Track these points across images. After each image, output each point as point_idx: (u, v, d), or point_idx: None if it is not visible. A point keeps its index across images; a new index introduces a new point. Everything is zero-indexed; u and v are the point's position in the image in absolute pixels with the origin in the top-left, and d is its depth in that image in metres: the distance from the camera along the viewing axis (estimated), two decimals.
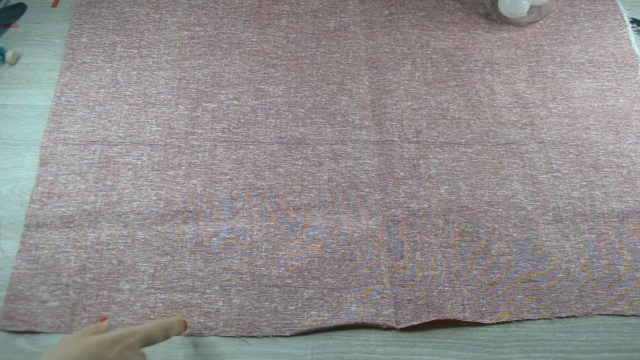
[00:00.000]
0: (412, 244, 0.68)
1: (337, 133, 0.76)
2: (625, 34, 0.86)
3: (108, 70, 0.79)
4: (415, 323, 0.62)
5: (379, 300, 0.64)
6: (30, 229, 0.67)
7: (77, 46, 0.81)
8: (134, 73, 0.79)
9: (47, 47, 0.82)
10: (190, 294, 0.64)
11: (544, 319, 0.64)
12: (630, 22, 0.87)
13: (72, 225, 0.67)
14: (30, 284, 0.63)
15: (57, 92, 0.76)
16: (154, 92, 0.77)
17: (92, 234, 0.67)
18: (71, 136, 0.73)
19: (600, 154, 0.76)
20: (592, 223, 0.70)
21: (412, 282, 0.65)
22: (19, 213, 0.68)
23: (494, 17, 0.88)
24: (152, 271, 0.65)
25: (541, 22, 0.87)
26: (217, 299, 0.64)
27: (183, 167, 0.72)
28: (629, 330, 0.63)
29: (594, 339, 0.63)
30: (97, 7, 0.84)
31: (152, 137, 0.74)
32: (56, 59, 0.81)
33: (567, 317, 0.64)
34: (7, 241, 0.67)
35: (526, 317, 0.64)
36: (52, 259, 0.65)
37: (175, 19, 0.84)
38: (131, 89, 0.77)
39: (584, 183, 0.74)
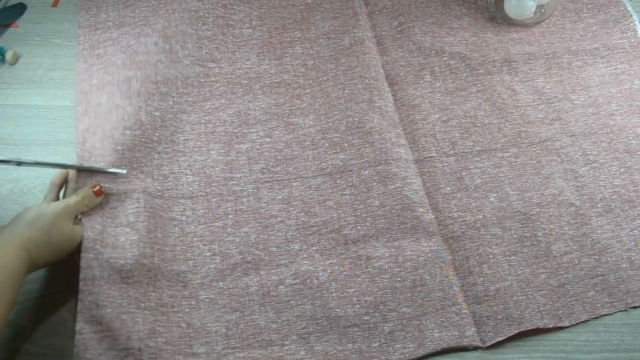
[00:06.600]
0: (477, 257, 0.68)
1: (377, 152, 0.73)
2: (631, 24, 0.88)
3: (129, 109, 0.71)
4: (500, 339, 0.62)
5: (459, 322, 0.63)
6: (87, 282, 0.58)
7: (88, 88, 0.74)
8: (157, 114, 0.72)
9: (47, 47, 0.80)
10: (269, 348, 0.61)
11: (620, 311, 0.65)
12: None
13: (130, 281, 0.60)
14: (98, 350, 0.55)
15: (79, 138, 0.69)
16: (182, 139, 0.73)
17: (153, 294, 0.61)
18: (107, 185, 0.65)
19: (631, 137, 0.78)
20: None
21: (486, 298, 0.65)
22: None
23: (499, 20, 0.88)
24: (224, 330, 0.62)
25: (547, 21, 0.88)
26: (298, 348, 0.61)
27: (230, 216, 0.69)
28: (629, 330, 0.64)
29: (594, 339, 0.63)
30: (100, 48, 0.78)
31: (190, 188, 0.70)
32: (56, 58, 0.79)
33: None
34: None
35: (603, 313, 0.65)
36: (117, 319, 0.57)
37: (187, 52, 0.78)
38: (157, 134, 0.72)
39: (623, 169, 0.75)
